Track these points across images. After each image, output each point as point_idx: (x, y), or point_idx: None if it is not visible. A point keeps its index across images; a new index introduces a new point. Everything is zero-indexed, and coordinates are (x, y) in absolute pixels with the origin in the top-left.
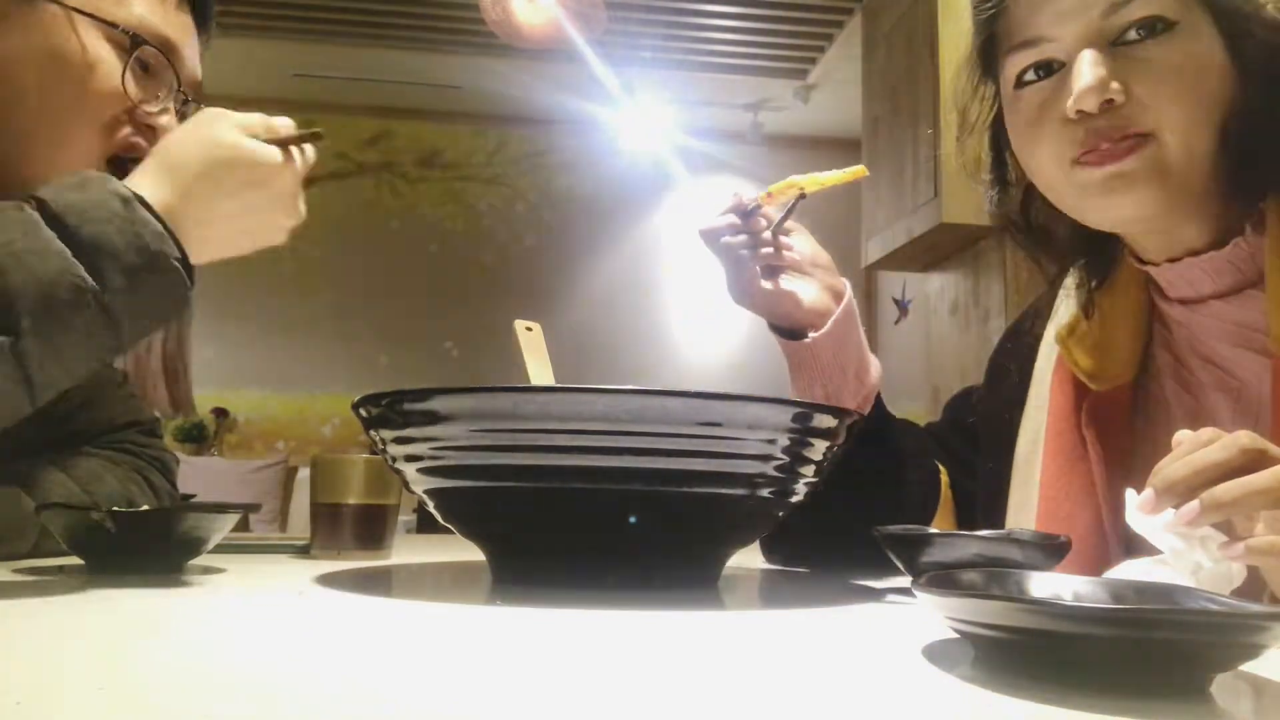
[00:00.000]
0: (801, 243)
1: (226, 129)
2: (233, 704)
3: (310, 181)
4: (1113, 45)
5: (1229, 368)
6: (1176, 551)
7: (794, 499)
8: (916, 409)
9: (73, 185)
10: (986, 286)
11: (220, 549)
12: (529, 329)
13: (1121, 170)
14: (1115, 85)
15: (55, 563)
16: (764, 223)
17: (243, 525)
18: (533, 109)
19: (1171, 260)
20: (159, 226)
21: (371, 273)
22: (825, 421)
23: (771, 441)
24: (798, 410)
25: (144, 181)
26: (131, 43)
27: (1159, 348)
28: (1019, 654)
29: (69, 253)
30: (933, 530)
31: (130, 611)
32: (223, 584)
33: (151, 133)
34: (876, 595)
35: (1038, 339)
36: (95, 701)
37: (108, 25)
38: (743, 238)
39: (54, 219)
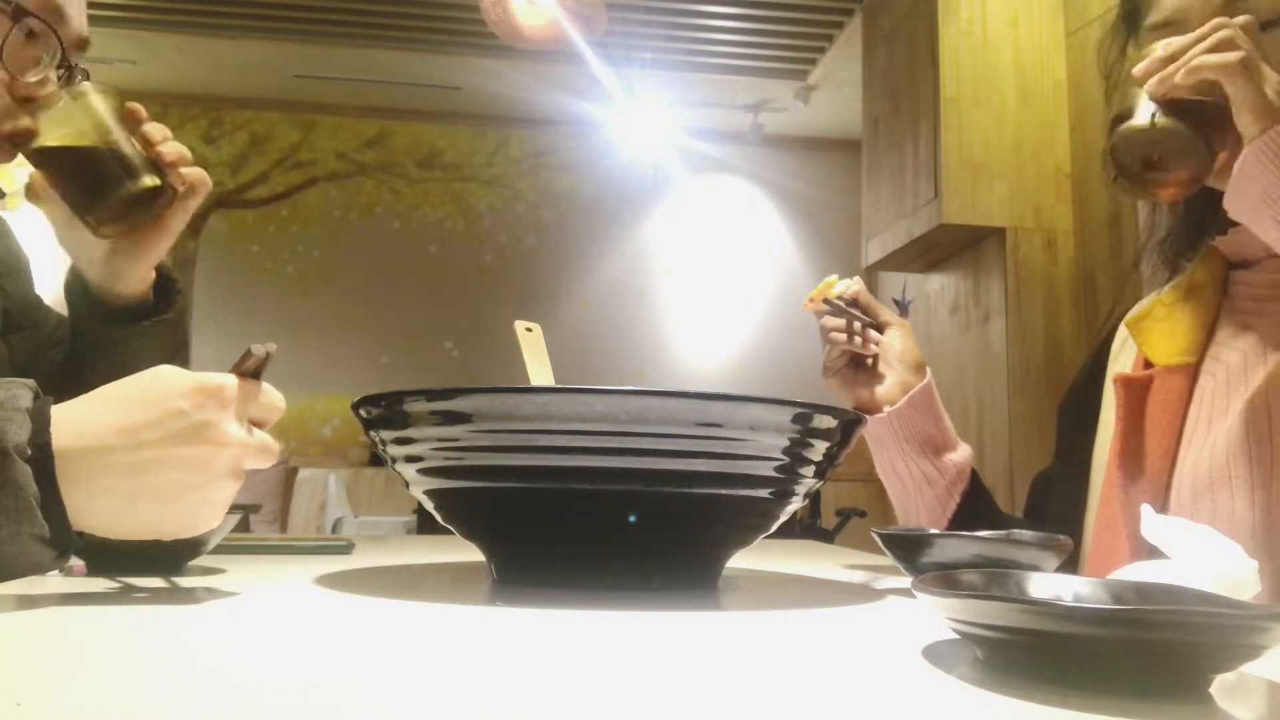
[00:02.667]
0: (894, 339)
1: (156, 374)
2: (233, 705)
3: (308, 183)
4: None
5: None
6: (1192, 561)
7: (794, 500)
8: None
9: None
10: (986, 287)
11: (220, 550)
12: (529, 329)
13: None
14: None
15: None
16: (854, 313)
17: (243, 526)
18: (533, 110)
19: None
20: (27, 490)
21: (371, 273)
22: (825, 422)
23: (771, 442)
24: (797, 411)
25: (62, 419)
26: (15, 14)
27: (1223, 318)
28: (1019, 654)
29: None
30: (932, 530)
31: (130, 612)
32: (222, 584)
33: (32, 104)
34: (876, 595)
35: (1107, 344)
36: (95, 702)
37: None
38: (838, 322)
39: None
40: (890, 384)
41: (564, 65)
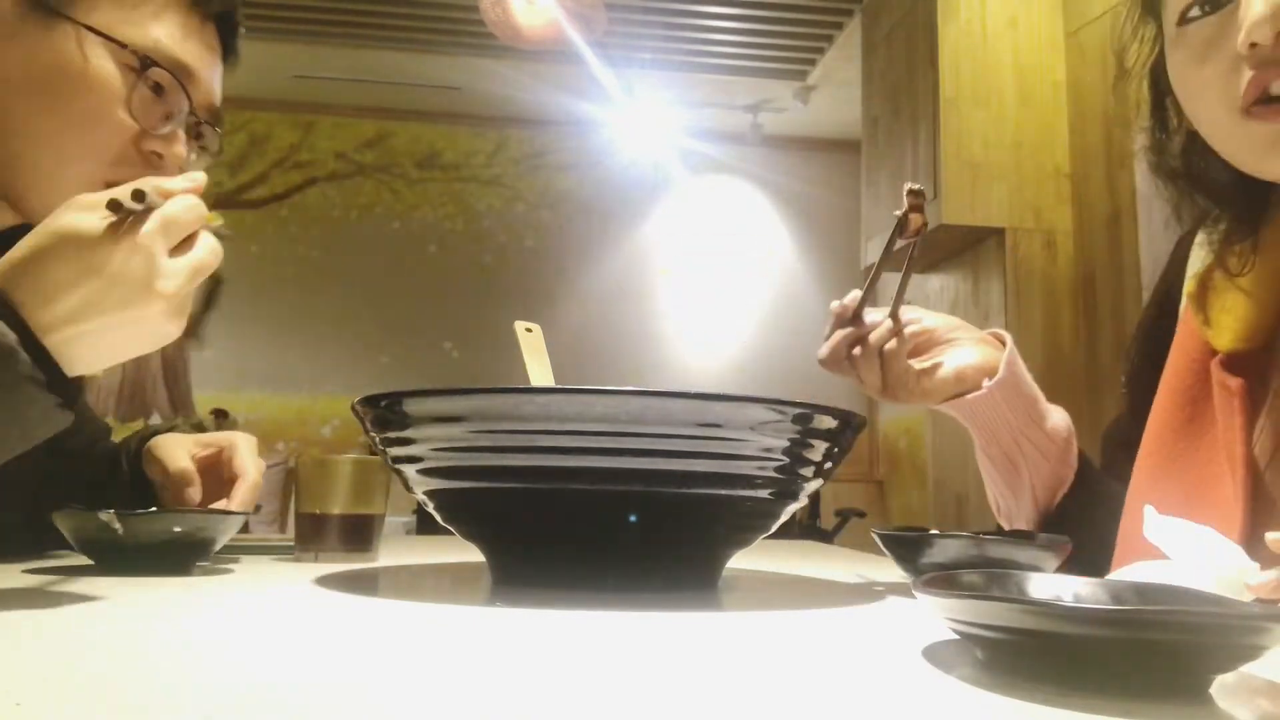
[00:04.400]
0: (924, 317)
1: (60, 212)
2: (236, 706)
3: (297, 188)
4: None
5: None
6: (1192, 561)
7: (794, 500)
8: (916, 410)
9: None
10: (986, 286)
11: (227, 550)
12: (529, 330)
13: None
14: None
15: (64, 564)
16: (877, 317)
17: (242, 527)
18: (532, 110)
19: None
20: (7, 339)
21: (371, 273)
22: (825, 423)
23: (771, 443)
24: (798, 411)
25: (21, 286)
26: (141, 65)
27: None
28: (1019, 655)
29: None
30: (933, 530)
31: (135, 613)
32: (229, 585)
33: (160, 159)
34: (876, 595)
35: (1176, 302)
36: (96, 703)
37: (118, 45)
38: (866, 346)
39: None
40: (973, 349)
41: (563, 65)
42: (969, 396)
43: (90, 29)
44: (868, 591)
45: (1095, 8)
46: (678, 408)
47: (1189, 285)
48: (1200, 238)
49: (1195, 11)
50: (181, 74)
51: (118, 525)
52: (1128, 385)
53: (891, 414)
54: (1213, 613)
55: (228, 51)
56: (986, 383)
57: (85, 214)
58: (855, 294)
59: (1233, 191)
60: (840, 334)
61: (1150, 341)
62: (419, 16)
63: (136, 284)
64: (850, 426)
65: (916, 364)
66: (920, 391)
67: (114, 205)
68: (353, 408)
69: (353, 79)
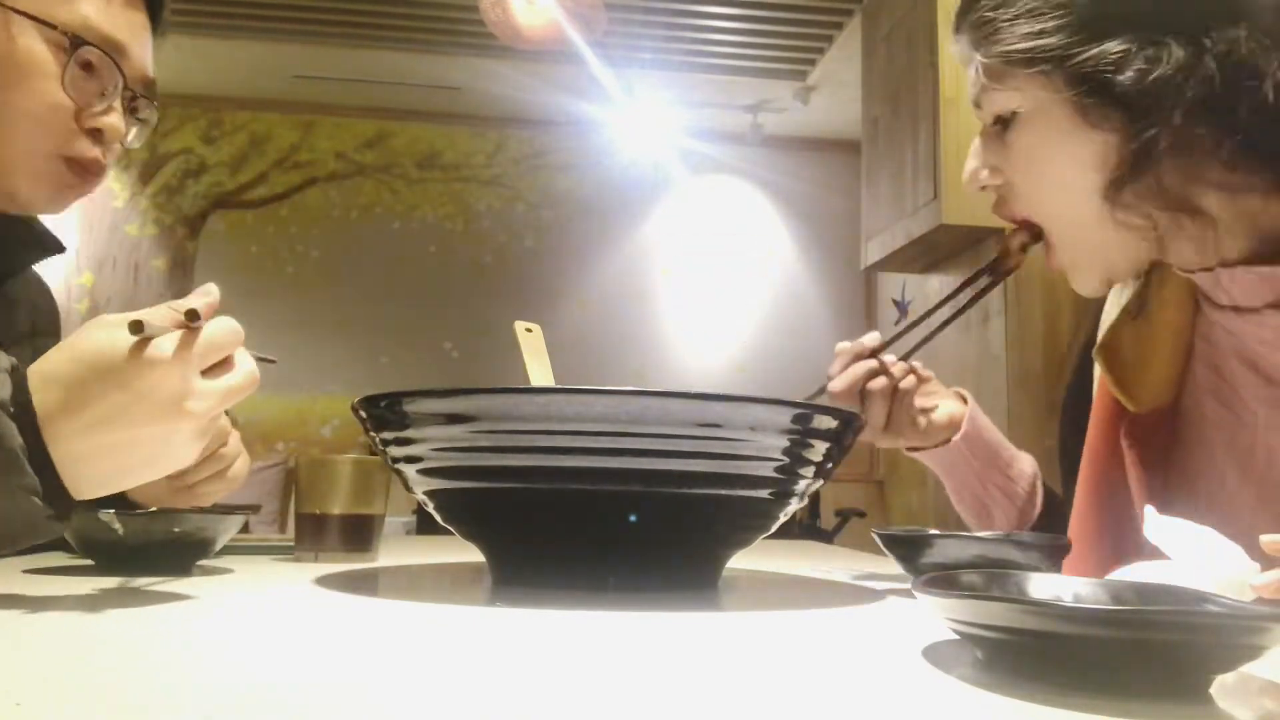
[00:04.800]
0: (923, 370)
1: (94, 327)
2: (236, 706)
3: (303, 186)
4: (993, 127)
5: None
6: (1193, 562)
7: (794, 500)
8: None
9: None
10: None
11: (226, 550)
12: (529, 330)
13: (1056, 268)
14: (984, 174)
15: (64, 563)
16: (892, 358)
17: (242, 527)
18: (532, 110)
19: (1224, 264)
20: (13, 442)
21: (371, 274)
22: (825, 423)
23: (771, 443)
24: (797, 411)
25: (53, 398)
26: (71, 44)
27: (1199, 364)
28: (1019, 655)
29: None
30: (933, 531)
31: (136, 613)
32: (229, 585)
33: (99, 134)
34: (876, 595)
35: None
36: (96, 703)
37: (46, 26)
38: (883, 381)
39: None
40: (952, 401)
41: (563, 65)
42: (941, 448)
43: (18, 11)
44: (868, 591)
45: None
46: (678, 408)
47: (1095, 351)
48: (1111, 298)
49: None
50: (112, 50)
51: (118, 525)
52: (1060, 451)
53: None
54: (1213, 613)
55: (157, 23)
56: (955, 436)
57: (113, 331)
58: (874, 335)
59: None
60: (863, 366)
61: (1076, 408)
62: (419, 16)
63: (167, 401)
64: (850, 426)
65: (919, 403)
66: (918, 433)
67: (135, 327)
68: (353, 408)
69: (353, 79)
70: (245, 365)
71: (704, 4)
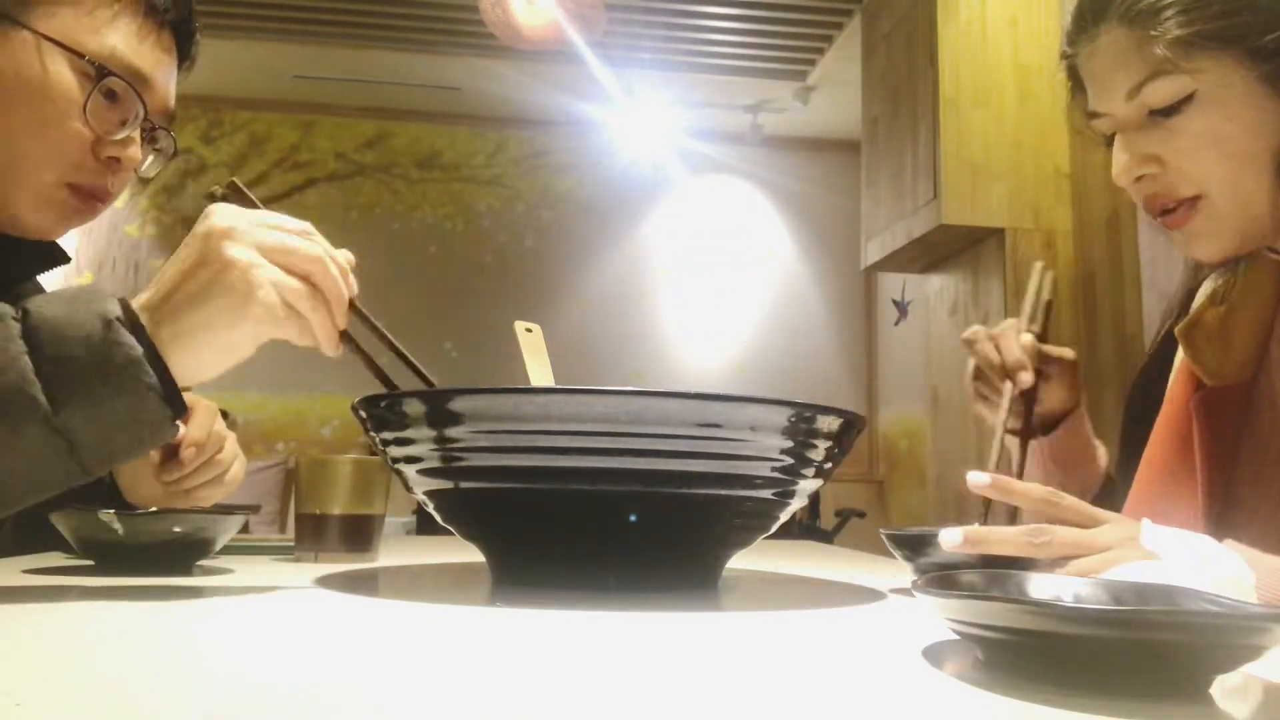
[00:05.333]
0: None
1: (205, 230)
2: (236, 706)
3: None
4: (1149, 118)
5: None
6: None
7: (794, 500)
8: (916, 410)
9: (65, 299)
10: (986, 287)
11: (227, 550)
12: (529, 330)
13: (1186, 231)
14: (1145, 168)
15: (64, 563)
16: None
17: (242, 527)
18: (532, 110)
19: None
20: (135, 351)
21: (371, 274)
22: (825, 423)
23: (771, 443)
24: (797, 412)
25: (144, 298)
26: (98, 74)
27: (1278, 345)
28: (1019, 655)
29: (30, 370)
30: (933, 530)
31: (136, 613)
32: (228, 585)
33: (117, 164)
34: (876, 595)
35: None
36: (96, 703)
37: (75, 55)
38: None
39: (31, 331)
40: (1065, 387)
41: (563, 66)
42: (1061, 432)
43: (48, 38)
44: (868, 591)
45: None
46: (678, 408)
47: (1180, 328)
48: (1203, 288)
49: (1099, 122)
50: (137, 81)
51: (118, 525)
52: (1123, 440)
53: (891, 414)
54: (1213, 613)
55: (183, 56)
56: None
57: (226, 246)
58: (1025, 377)
59: None
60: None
61: (1147, 400)
62: (419, 16)
63: (239, 271)
64: (850, 426)
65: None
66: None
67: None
68: (353, 408)
69: (353, 79)
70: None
71: (704, 4)
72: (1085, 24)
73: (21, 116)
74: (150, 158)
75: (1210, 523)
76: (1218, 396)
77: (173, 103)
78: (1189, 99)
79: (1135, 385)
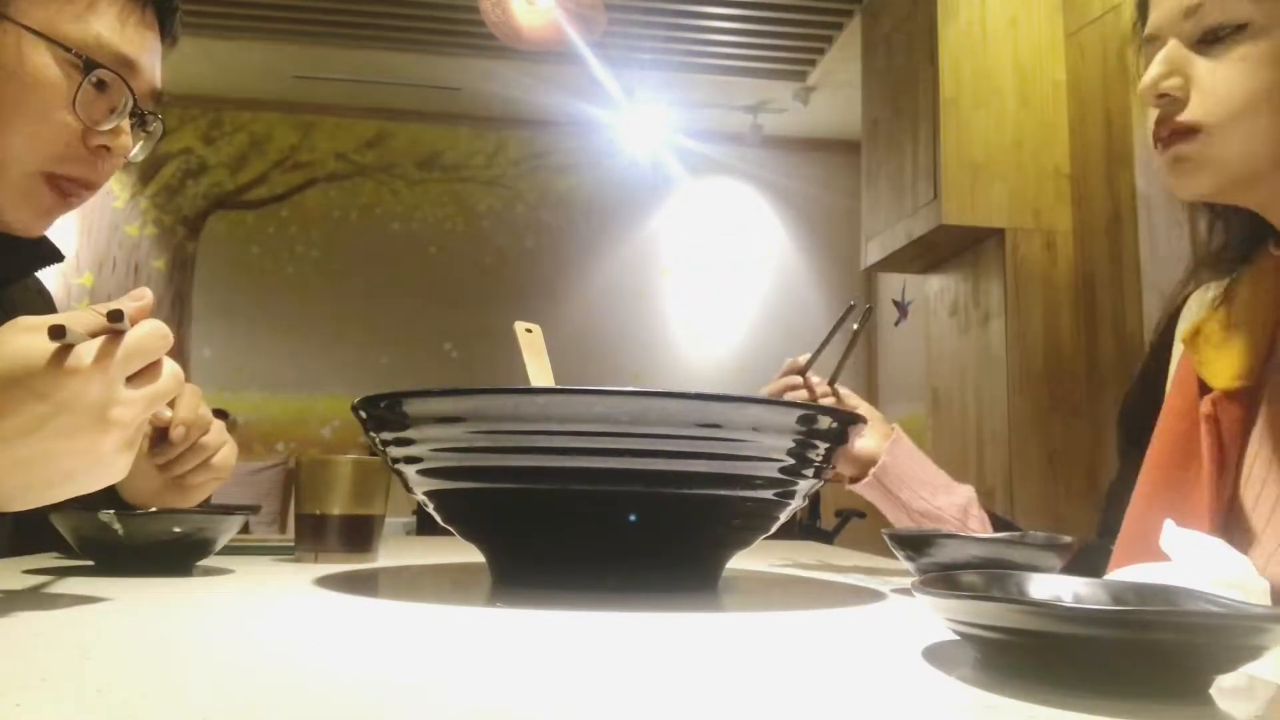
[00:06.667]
0: (849, 396)
1: (11, 330)
2: (233, 704)
3: (297, 191)
4: (1197, 43)
5: None
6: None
7: (794, 500)
8: (917, 411)
9: None
10: (986, 288)
11: (226, 550)
12: (529, 330)
13: (1175, 154)
14: (1172, 82)
15: (64, 564)
16: (815, 379)
17: (242, 527)
18: (532, 111)
19: None
20: None
21: (371, 274)
22: (825, 423)
23: (771, 443)
24: (798, 412)
25: None
26: (85, 65)
27: None
28: (1019, 655)
29: None
30: (942, 531)
31: (136, 613)
32: (228, 586)
33: (106, 152)
34: (876, 595)
35: (1171, 342)
36: (96, 703)
37: (60, 47)
38: (803, 393)
39: None
40: (875, 437)
41: (563, 66)
42: (862, 482)
43: (31, 30)
44: (868, 591)
45: (1095, 8)
46: (678, 408)
47: (1184, 333)
48: (1195, 297)
49: (1151, 48)
50: (123, 68)
51: (118, 525)
52: (1121, 453)
53: (891, 414)
54: (1213, 613)
55: (165, 32)
56: (872, 471)
57: (32, 336)
58: (806, 355)
59: (1222, 215)
60: (786, 382)
61: (1143, 411)
62: (419, 16)
63: (89, 412)
64: (850, 427)
65: None
66: (843, 461)
67: (55, 332)
68: (353, 408)
69: (353, 79)
70: (169, 367)
71: (704, 4)
72: None
73: (6, 110)
74: (139, 142)
75: (1217, 527)
76: (1224, 399)
77: (159, 82)
78: (1242, 28)
79: (1125, 407)
